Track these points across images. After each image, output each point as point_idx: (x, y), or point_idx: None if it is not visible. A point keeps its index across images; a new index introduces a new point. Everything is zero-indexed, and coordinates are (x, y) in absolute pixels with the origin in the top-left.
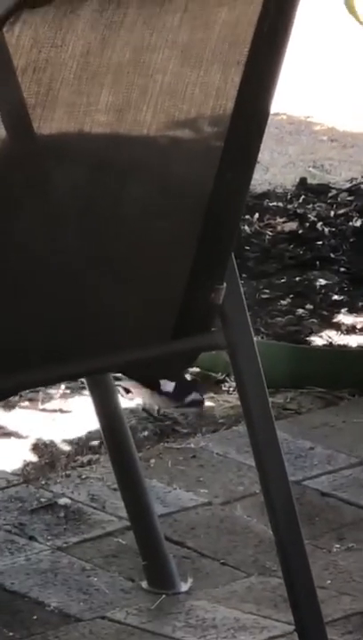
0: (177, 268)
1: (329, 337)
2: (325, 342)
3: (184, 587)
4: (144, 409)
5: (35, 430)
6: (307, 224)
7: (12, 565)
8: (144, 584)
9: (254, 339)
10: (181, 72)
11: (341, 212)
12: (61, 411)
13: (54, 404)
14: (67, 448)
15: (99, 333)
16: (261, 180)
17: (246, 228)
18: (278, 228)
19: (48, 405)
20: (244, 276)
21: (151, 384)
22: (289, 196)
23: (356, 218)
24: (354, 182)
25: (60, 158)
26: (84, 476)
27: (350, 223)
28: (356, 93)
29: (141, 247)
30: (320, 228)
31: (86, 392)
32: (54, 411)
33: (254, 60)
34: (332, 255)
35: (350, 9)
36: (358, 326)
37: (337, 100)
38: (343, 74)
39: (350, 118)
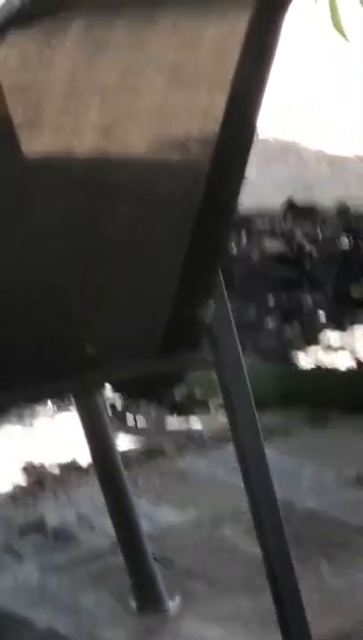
0: (165, 285)
1: (316, 356)
2: (312, 361)
3: (173, 606)
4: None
5: (23, 450)
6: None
7: (1, 585)
8: (133, 603)
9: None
10: (168, 92)
11: (327, 234)
12: (50, 430)
13: (42, 422)
14: (55, 468)
15: (86, 350)
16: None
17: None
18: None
19: (36, 423)
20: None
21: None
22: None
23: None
24: (340, 202)
25: (47, 178)
26: (72, 496)
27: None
28: (343, 115)
29: (129, 264)
30: (306, 248)
31: (74, 409)
32: (42, 429)
33: (241, 79)
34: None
35: (336, 25)
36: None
37: (325, 122)
38: (330, 93)
39: (337, 141)
